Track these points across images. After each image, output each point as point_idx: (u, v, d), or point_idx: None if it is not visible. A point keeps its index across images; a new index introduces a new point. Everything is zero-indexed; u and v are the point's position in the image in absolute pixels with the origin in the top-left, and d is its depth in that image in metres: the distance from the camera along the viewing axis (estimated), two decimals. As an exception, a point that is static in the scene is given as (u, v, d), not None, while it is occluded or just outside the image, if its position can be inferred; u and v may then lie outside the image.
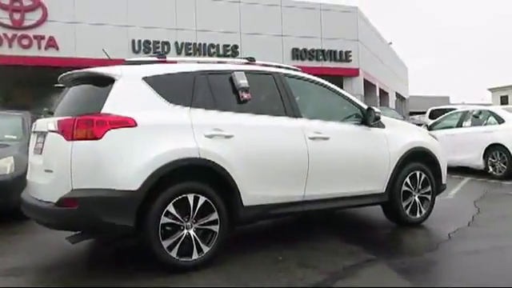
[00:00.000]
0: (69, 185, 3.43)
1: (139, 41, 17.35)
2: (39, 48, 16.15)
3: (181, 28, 17.98)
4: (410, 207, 5.15)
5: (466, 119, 10.44)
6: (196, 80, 4.02)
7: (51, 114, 4.22)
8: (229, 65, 4.42)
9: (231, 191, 3.92)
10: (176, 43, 18.01)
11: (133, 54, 17.09)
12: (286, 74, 4.58)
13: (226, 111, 4.06)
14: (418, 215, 5.23)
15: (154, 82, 3.81)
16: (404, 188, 5.09)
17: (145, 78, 3.80)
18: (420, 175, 5.22)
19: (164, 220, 3.61)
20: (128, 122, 3.56)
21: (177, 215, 3.66)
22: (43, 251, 4.55)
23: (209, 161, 3.79)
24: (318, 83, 4.81)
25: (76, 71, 4.02)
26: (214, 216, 3.82)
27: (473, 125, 10.13)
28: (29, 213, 3.92)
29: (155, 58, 4.13)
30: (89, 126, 3.46)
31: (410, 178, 5.13)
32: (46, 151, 3.73)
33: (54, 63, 15.56)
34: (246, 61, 4.57)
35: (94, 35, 16.12)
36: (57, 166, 3.52)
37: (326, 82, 4.86)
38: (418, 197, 5.23)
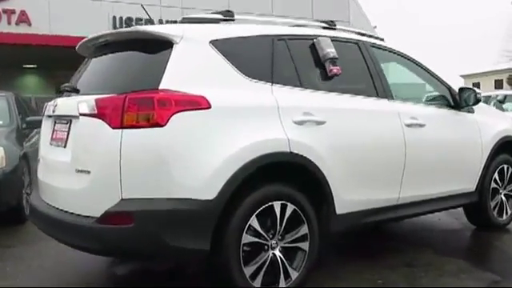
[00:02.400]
0: (117, 193, 2.38)
1: (120, 18, 15.92)
2: (9, 23, 14.55)
3: (166, 5, 16.67)
4: (497, 207, 4.33)
5: (489, 104, 9.79)
6: (275, 47, 2.99)
7: (63, 92, 3.12)
8: (306, 29, 3.40)
9: (324, 196, 2.94)
10: (160, 21, 16.67)
11: (113, 33, 15.76)
12: (371, 44, 3.60)
13: (311, 89, 3.07)
14: (505, 216, 4.40)
15: (224, 47, 2.76)
16: (493, 185, 4.26)
17: (213, 42, 2.74)
18: (507, 169, 4.39)
19: (246, 239, 2.61)
20: (200, 103, 2.52)
21: (261, 231, 2.67)
22: (52, 272, 3.47)
23: (301, 156, 2.79)
24: (404, 56, 3.85)
25: (112, 31, 2.93)
26: (304, 230, 2.85)
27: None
28: (48, 229, 2.84)
29: (220, 16, 3.06)
30: (147, 107, 2.40)
31: (498, 172, 4.29)
32: (76, 143, 2.64)
33: (25, 40, 14.04)
34: (325, 25, 3.55)
35: (71, 10, 14.64)
36: (98, 165, 2.46)
37: (412, 56, 3.92)
38: (504, 194, 4.41)
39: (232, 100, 2.65)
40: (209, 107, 2.52)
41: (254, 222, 2.63)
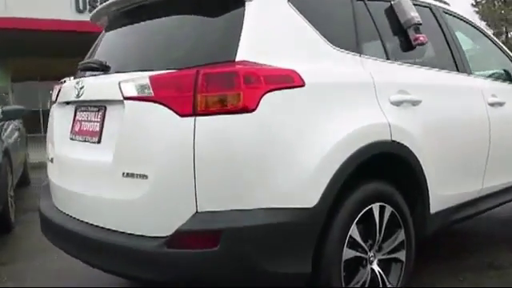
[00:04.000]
0: (190, 204, 1.74)
1: (84, -3, 14.78)
2: (-42, 4, 13.15)
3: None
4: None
5: None
6: (355, 7, 2.38)
7: (83, 71, 2.40)
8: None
9: (420, 193, 2.39)
10: None
11: (77, 15, 14.57)
12: (444, 10, 3.05)
13: (398, 62, 2.50)
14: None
15: (305, 6, 2.12)
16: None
17: (291, 0, 2.12)
18: None
19: (347, 253, 2.03)
20: (292, 79, 1.89)
21: (360, 242, 2.10)
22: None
23: (401, 145, 2.22)
24: (473, 25, 3.33)
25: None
26: (401, 236, 2.29)
27: None
28: (77, 251, 2.14)
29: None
30: (230, 85, 1.75)
31: None
32: (122, 138, 1.94)
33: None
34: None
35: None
36: (160, 166, 1.78)
37: (478, 25, 3.41)
38: None
39: (325, 75, 2.03)
40: (302, 85, 1.90)
41: (354, 231, 2.06)
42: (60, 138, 2.40)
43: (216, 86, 1.74)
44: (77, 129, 2.27)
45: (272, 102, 1.79)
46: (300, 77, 1.90)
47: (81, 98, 2.18)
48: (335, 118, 1.97)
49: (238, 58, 1.84)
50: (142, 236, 1.84)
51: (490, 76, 3.37)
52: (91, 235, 2.01)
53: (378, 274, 2.18)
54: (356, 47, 2.27)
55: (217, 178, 1.74)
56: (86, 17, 12.75)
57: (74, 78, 2.49)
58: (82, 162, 2.17)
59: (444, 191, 2.54)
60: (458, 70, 2.87)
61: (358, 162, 1.99)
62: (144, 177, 1.82)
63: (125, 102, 1.92)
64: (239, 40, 1.87)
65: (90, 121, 2.17)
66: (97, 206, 2.03)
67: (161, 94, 1.81)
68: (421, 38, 2.55)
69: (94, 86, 2.16)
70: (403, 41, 2.59)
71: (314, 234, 1.88)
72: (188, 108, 1.75)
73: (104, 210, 2.00)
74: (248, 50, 1.87)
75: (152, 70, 1.91)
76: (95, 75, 2.23)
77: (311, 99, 1.93)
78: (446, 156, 2.55)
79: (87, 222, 2.08)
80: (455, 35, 2.97)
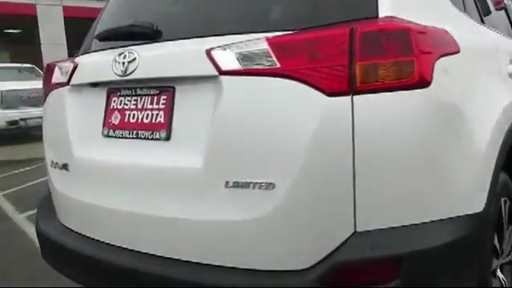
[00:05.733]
0: (346, 221, 1.21)
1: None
2: None
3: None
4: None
5: None
6: None
7: (111, 39, 1.71)
8: None
9: None
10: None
11: None
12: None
13: (494, 29, 2.13)
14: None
15: None
16: None
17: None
18: None
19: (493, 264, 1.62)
20: (451, 43, 1.42)
21: (497, 247, 1.70)
22: None
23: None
24: None
25: None
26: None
27: None
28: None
29: None
30: (401, 49, 1.20)
31: None
32: (217, 132, 1.32)
33: None
34: None
35: None
36: (298, 171, 1.21)
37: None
38: None
39: (471, 40, 1.59)
40: (458, 51, 1.44)
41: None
42: (81, 134, 1.70)
43: (381, 50, 1.21)
44: (116, 120, 1.59)
45: (441, 73, 1.30)
46: (454, 40, 1.43)
47: (130, 77, 1.50)
48: (490, 93, 1.54)
49: (381, 14, 1.33)
50: (266, 272, 1.27)
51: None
52: (167, 273, 1.38)
53: (502, 281, 1.81)
54: (476, 12, 1.87)
55: (385, 182, 1.22)
56: None
57: (88, 52, 1.79)
58: (133, 167, 1.51)
59: None
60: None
61: (509, 146, 1.58)
62: (269, 186, 1.25)
63: (222, 78, 1.32)
64: None
65: (145, 109, 1.51)
66: (170, 230, 1.41)
67: (292, 64, 1.24)
68: (503, 2, 2.21)
69: (156, 59, 1.49)
70: (484, 4, 2.22)
71: (481, 247, 1.44)
72: (340, 83, 1.20)
73: (187, 237, 1.38)
74: (390, 4, 1.36)
75: (238, 34, 1.34)
76: (140, 44, 1.56)
77: (468, 69, 1.47)
78: None
79: (147, 253, 1.46)
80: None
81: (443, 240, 1.24)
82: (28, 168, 6.86)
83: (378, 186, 1.22)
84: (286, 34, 1.28)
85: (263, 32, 1.32)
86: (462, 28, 1.61)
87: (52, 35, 15.53)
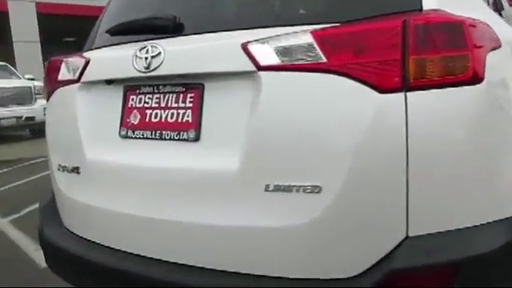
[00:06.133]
0: (398, 226, 1.14)
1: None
2: None
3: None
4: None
5: None
6: None
7: (128, 33, 1.59)
8: None
9: None
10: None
11: None
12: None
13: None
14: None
15: None
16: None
17: None
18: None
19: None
20: (494, 38, 1.36)
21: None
22: None
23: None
24: None
25: None
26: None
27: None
28: None
29: None
30: (455, 43, 1.13)
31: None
32: (255, 131, 1.22)
33: None
34: None
35: None
36: (347, 172, 1.13)
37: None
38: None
39: (507, 34, 1.53)
40: (500, 45, 1.38)
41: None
42: (95, 135, 1.58)
43: (434, 44, 1.14)
44: (136, 120, 1.48)
45: (490, 68, 1.24)
46: (496, 34, 1.38)
47: (154, 73, 1.39)
48: None
49: (425, 7, 1.26)
50: (311, 280, 1.19)
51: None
52: (206, 284, 1.28)
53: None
54: (488, 5, 1.82)
55: (438, 183, 1.15)
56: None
57: (99, 47, 1.67)
58: (157, 170, 1.40)
59: None
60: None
61: None
62: (315, 189, 1.17)
63: (260, 74, 1.23)
64: None
65: (170, 107, 1.41)
66: (203, 238, 1.31)
67: (340, 58, 1.15)
68: None
69: (184, 53, 1.38)
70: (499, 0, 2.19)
71: None
72: (393, 79, 1.12)
73: (223, 245, 1.28)
74: None
75: (274, 27, 1.25)
76: (162, 38, 1.45)
77: (509, 64, 1.42)
78: None
79: (176, 263, 1.35)
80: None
81: (501, 242, 1.19)
82: (6, 170, 6.60)
83: (431, 187, 1.15)
84: (332, 27, 1.20)
85: (301, 25, 1.23)
86: (496, 22, 1.56)
87: (24, 32, 15.05)
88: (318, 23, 1.23)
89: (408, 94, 1.12)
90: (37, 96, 10.49)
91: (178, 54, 1.38)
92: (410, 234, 1.15)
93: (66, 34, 19.95)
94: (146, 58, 1.40)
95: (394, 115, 1.12)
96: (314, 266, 1.19)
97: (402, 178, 1.13)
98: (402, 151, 1.12)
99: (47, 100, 1.84)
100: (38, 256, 3.27)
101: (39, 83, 11.39)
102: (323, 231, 1.17)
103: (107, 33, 1.62)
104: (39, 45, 14.97)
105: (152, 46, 1.40)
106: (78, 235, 1.66)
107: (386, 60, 1.13)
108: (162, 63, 1.37)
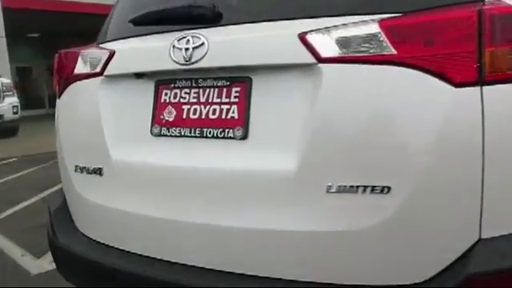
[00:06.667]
0: (470, 227, 1.07)
1: None
2: None
3: None
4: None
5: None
6: None
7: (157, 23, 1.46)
8: None
9: None
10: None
11: None
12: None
13: None
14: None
15: None
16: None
17: None
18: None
19: None
20: None
21: None
22: None
23: None
24: None
25: None
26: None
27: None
28: None
29: None
30: None
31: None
32: (315, 129, 1.13)
33: None
34: None
35: None
36: (419, 172, 1.05)
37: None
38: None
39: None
40: None
41: None
42: (121, 134, 1.45)
43: (510, 34, 1.09)
44: (171, 117, 1.36)
45: None
46: None
47: (195, 66, 1.28)
48: None
49: (486, -2, 1.20)
50: (377, 287, 1.12)
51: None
52: None
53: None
54: None
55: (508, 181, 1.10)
56: None
57: (124, 38, 1.54)
58: (198, 171, 1.29)
59: None
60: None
61: None
62: (383, 190, 1.09)
63: (321, 66, 1.14)
64: None
65: (212, 102, 1.30)
66: (257, 244, 1.21)
67: (410, 50, 1.08)
68: None
69: (231, 44, 1.27)
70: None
71: None
72: (469, 72, 1.06)
73: (279, 251, 1.19)
74: None
75: (331, 16, 1.17)
76: (201, 28, 1.33)
77: None
78: None
79: (221, 271, 1.25)
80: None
81: None
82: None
83: (506, 186, 1.09)
84: (400, 17, 1.12)
85: (362, 14, 1.15)
86: None
87: (-12, 27, 14.43)
88: (378, 13, 1.15)
89: (484, 88, 1.06)
90: (5, 94, 10.06)
91: (224, 45, 1.27)
92: (483, 236, 1.09)
93: (30, 30, 19.29)
94: (187, 49, 1.28)
95: (470, 110, 1.06)
96: (385, 270, 1.12)
97: (477, 177, 1.06)
98: (478, 149, 1.06)
99: (59, 96, 1.69)
100: (28, 262, 3.09)
101: (7, 80, 10.94)
102: (393, 234, 1.10)
103: (131, 23, 1.49)
104: (4, 39, 14.37)
105: (193, 36, 1.29)
106: (97, 241, 1.53)
107: (461, 52, 1.06)
108: (205, 55, 1.26)
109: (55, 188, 5.16)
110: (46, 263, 2.94)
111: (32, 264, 3.03)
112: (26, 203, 4.63)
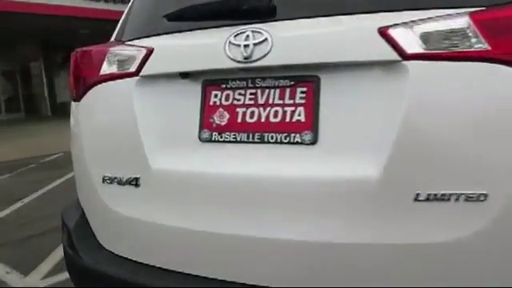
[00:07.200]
0: None
1: None
2: None
3: None
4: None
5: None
6: None
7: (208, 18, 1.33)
8: None
9: None
10: None
11: None
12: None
13: None
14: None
15: None
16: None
17: None
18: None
19: None
20: None
21: None
22: None
23: None
24: None
25: None
26: None
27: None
28: None
29: None
30: None
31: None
32: (404, 133, 1.02)
33: None
34: None
35: None
36: None
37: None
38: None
39: None
40: None
41: None
42: (162, 139, 1.30)
43: None
44: (223, 120, 1.23)
45: None
46: None
47: (255, 64, 1.16)
48: None
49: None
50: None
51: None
52: None
53: None
54: None
55: None
56: None
57: (159, 35, 1.39)
58: (260, 180, 1.17)
59: None
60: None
61: None
62: (479, 197, 1.00)
63: (406, 64, 1.05)
64: None
65: (272, 104, 1.18)
66: (335, 260, 1.10)
67: (507, 45, 1.00)
68: None
69: (299, 40, 1.15)
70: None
71: None
72: None
73: (362, 266, 1.08)
74: None
75: (411, 10, 1.09)
76: (257, 23, 1.21)
77: None
78: None
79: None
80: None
81: None
82: None
83: None
84: (492, 9, 1.05)
85: (444, 8, 1.07)
86: None
87: None
88: (461, 7, 1.07)
89: None
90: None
91: (290, 42, 1.15)
92: None
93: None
94: (247, 46, 1.16)
95: None
96: (481, 283, 1.03)
97: None
98: None
99: (77, 99, 1.53)
100: (15, 281, 2.85)
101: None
102: (490, 245, 1.01)
103: (172, 18, 1.34)
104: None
105: (254, 32, 1.17)
106: (131, 259, 1.38)
107: None
108: (268, 52, 1.15)
109: (26, 200, 4.88)
110: (37, 281, 2.72)
111: (20, 282, 2.80)
112: (-2, 215, 4.33)
